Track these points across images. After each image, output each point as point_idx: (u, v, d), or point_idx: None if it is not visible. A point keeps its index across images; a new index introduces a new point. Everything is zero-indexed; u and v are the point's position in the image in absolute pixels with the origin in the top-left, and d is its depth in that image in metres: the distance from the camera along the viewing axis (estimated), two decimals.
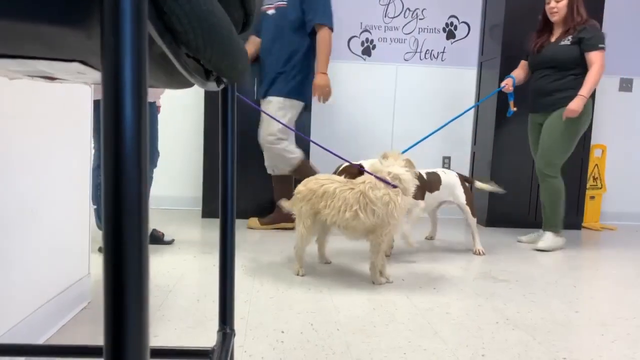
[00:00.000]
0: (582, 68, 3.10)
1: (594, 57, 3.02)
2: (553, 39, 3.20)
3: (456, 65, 4.31)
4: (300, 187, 2.36)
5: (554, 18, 3.15)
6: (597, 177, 4.30)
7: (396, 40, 4.28)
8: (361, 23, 4.23)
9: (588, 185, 4.24)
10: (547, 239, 3.23)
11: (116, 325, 0.34)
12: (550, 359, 1.56)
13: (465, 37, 4.33)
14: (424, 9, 4.28)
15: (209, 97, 3.68)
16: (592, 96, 3.17)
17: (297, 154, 3.34)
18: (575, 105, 3.01)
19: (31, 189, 1.39)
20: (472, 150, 4.42)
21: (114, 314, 0.34)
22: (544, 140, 3.21)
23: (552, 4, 3.12)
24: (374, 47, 4.26)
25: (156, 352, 0.95)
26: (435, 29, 4.31)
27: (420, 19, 4.28)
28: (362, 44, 4.24)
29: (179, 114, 4.12)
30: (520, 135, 3.95)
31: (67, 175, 1.62)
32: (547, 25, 3.25)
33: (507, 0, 3.86)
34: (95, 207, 2.35)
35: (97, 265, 2.23)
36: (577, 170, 4.03)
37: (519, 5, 3.86)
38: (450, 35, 4.32)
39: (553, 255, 3.08)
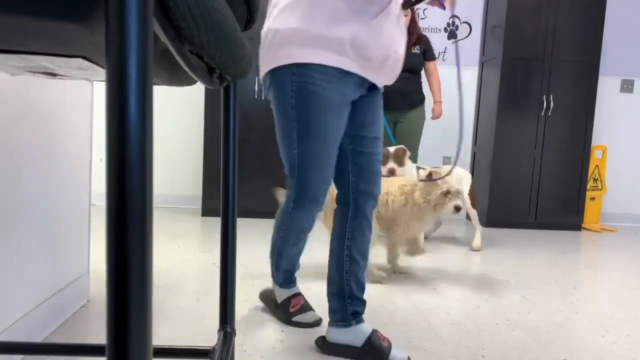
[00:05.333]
0: (421, 73, 3.59)
1: (433, 67, 3.55)
2: None
3: None
4: None
5: None
6: (597, 178, 4.30)
7: None
8: None
9: (588, 187, 4.24)
10: None
11: (119, 324, 0.33)
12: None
13: (467, 37, 4.32)
14: (425, 9, 4.27)
15: (209, 94, 3.68)
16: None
17: None
18: (441, 109, 3.58)
19: (30, 186, 1.38)
20: (472, 151, 4.41)
21: (116, 313, 0.33)
22: (408, 136, 3.56)
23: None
24: None
25: (157, 351, 0.94)
26: (436, 28, 4.30)
27: (421, 19, 4.28)
28: None
29: (179, 112, 4.12)
30: (520, 136, 3.95)
31: (66, 172, 1.61)
32: None
33: (508, 1, 3.86)
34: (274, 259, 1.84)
35: (96, 262, 2.23)
36: (578, 171, 4.03)
37: (520, 6, 3.86)
38: (452, 35, 4.31)
39: (553, 256, 3.08)
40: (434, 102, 3.56)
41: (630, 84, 4.41)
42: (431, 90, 3.58)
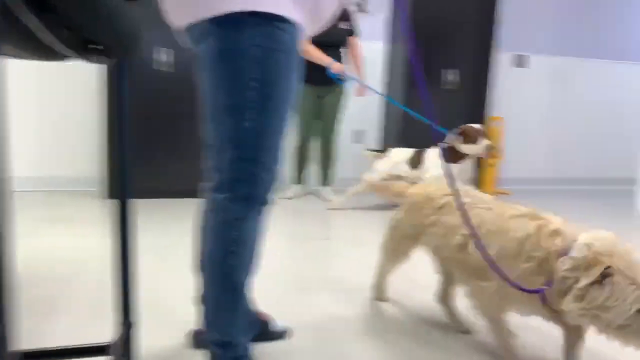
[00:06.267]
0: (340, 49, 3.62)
1: (356, 41, 3.61)
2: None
3: None
4: (414, 190, 1.74)
5: None
6: (493, 147, 4.60)
7: None
8: None
9: None
10: (331, 193, 3.81)
11: None
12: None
13: (369, 13, 4.36)
14: None
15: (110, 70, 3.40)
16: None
17: None
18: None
19: None
20: (382, 126, 4.52)
21: None
22: (334, 110, 3.69)
23: None
24: None
25: (44, 354, 0.86)
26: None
27: None
28: None
29: (78, 90, 3.78)
30: (426, 109, 4.11)
31: None
32: None
33: None
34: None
35: None
36: None
37: None
38: (360, 10, 4.33)
39: None
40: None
41: (525, 58, 4.75)
42: (355, 66, 3.62)
